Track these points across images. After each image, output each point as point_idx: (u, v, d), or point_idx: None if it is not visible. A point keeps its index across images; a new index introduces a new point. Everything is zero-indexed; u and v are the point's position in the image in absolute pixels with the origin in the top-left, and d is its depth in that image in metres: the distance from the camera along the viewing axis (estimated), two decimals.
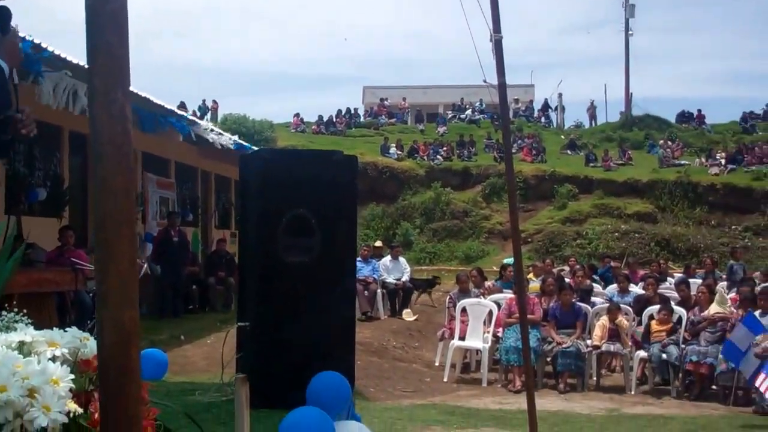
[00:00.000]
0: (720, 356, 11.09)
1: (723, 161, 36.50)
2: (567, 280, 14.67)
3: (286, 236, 5.06)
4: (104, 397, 1.80)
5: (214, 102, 44.11)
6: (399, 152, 38.08)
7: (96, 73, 1.82)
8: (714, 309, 11.85)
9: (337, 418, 4.27)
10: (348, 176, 5.22)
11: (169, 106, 13.63)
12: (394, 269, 17.28)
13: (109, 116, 1.78)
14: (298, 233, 4.99)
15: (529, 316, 11.50)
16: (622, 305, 12.96)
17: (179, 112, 15.07)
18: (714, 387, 11.58)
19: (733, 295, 13.48)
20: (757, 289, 12.74)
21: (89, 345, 2.50)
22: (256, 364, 5.34)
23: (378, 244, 19.43)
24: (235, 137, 17.57)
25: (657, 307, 12.41)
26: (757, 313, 10.98)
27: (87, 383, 2.45)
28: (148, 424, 2.46)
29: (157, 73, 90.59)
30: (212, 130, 15.57)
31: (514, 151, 37.92)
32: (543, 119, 48.73)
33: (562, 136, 44.15)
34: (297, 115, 44.62)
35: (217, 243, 18.42)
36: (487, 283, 15.36)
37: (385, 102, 48.16)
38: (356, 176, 5.35)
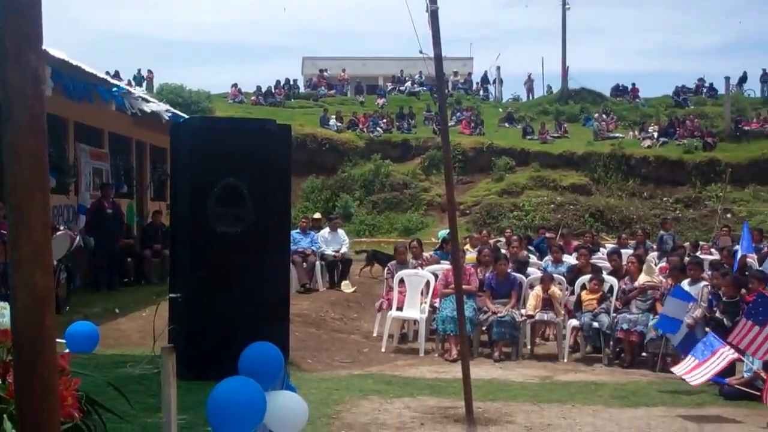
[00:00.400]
0: (650, 324, 11.36)
1: (655, 134, 37.09)
2: (503, 251, 14.82)
3: (217, 206, 4.99)
4: (18, 364, 1.76)
5: (149, 72, 43.43)
6: (338, 124, 37.95)
7: (7, 34, 1.77)
8: (643, 278, 12.10)
9: (270, 388, 4.26)
10: (281, 145, 5.16)
11: (102, 75, 13.35)
12: (333, 241, 17.26)
13: (21, 78, 1.74)
14: (229, 203, 4.93)
15: (465, 287, 11.60)
16: (555, 275, 13.15)
17: (113, 81, 14.78)
18: (644, 354, 11.84)
19: (663, 264, 13.75)
20: (687, 259, 13.03)
21: (6, 314, 2.45)
22: (189, 336, 5.28)
23: (317, 215, 19.41)
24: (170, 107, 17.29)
25: (589, 276, 12.62)
26: (686, 282, 11.24)
27: (5, 354, 2.40)
28: (68, 395, 2.43)
29: (91, 43, 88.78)
30: (147, 100, 15.31)
31: (452, 123, 38.12)
32: (481, 92, 48.94)
33: (500, 109, 44.42)
34: (235, 85, 44.09)
35: (152, 215, 18.17)
36: (426, 254, 15.45)
37: (325, 73, 47.89)
38: (290, 145, 5.30)
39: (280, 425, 4.22)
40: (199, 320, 5.23)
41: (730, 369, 10.06)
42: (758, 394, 9.14)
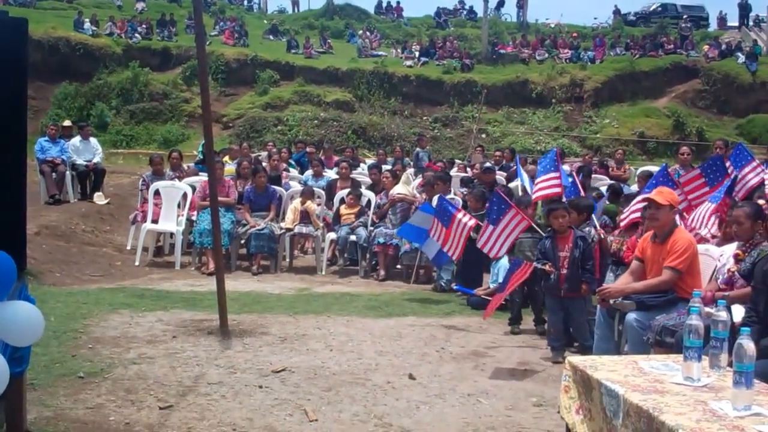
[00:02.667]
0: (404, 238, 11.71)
1: (417, 54, 37.91)
2: (264, 164, 14.72)
3: None
4: None
5: None
6: (94, 28, 35.84)
7: None
8: (398, 189, 12.41)
9: (4, 299, 4.03)
10: (15, 41, 4.73)
11: None
12: (85, 150, 16.38)
13: None
14: None
15: (223, 199, 11.52)
16: (315, 189, 13.26)
17: None
18: (398, 267, 12.24)
19: (419, 180, 14.18)
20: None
21: None
22: None
23: (67, 123, 18.29)
24: None
25: (347, 190, 12.80)
26: (436, 197, 11.67)
27: None
28: None
29: None
30: None
31: (215, 33, 37.19)
32: (246, 2, 47.97)
33: (265, 21, 43.76)
34: None
35: None
36: (184, 166, 15.06)
37: None
38: (26, 41, 4.86)
39: (11, 335, 4.00)
40: None
41: (477, 280, 10.64)
42: (503, 303, 9.71)
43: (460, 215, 10.07)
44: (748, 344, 3.72)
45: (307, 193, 12.63)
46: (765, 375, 4.35)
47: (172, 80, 34.21)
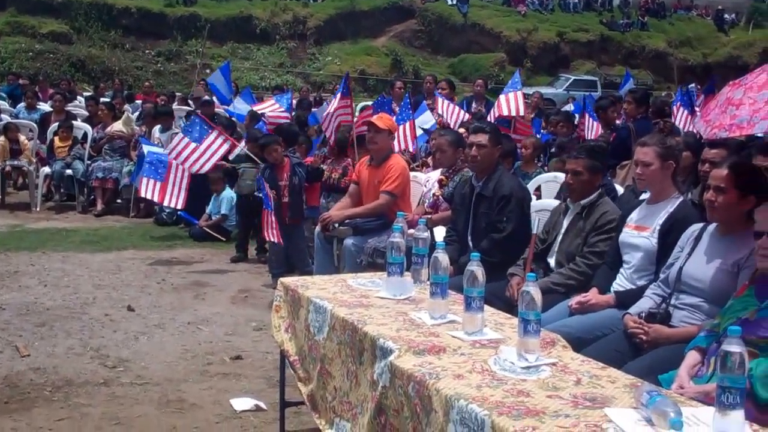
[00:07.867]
0: (124, 170, 11.45)
1: None
2: None
3: None
4: None
5: None
6: None
7: None
8: (117, 127, 12.08)
9: None
10: None
11: None
12: None
13: None
14: None
15: None
16: (27, 122, 12.66)
17: None
18: (119, 201, 11.96)
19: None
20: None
21: None
22: None
23: None
24: None
25: (58, 123, 12.34)
26: (157, 127, 11.52)
27: None
28: None
29: None
30: None
31: None
32: None
33: None
34: None
35: None
36: None
37: None
38: None
39: None
40: None
41: (202, 209, 10.61)
42: (222, 239, 9.79)
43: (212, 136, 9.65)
44: (442, 257, 3.92)
45: (12, 127, 11.97)
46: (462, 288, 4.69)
47: None
